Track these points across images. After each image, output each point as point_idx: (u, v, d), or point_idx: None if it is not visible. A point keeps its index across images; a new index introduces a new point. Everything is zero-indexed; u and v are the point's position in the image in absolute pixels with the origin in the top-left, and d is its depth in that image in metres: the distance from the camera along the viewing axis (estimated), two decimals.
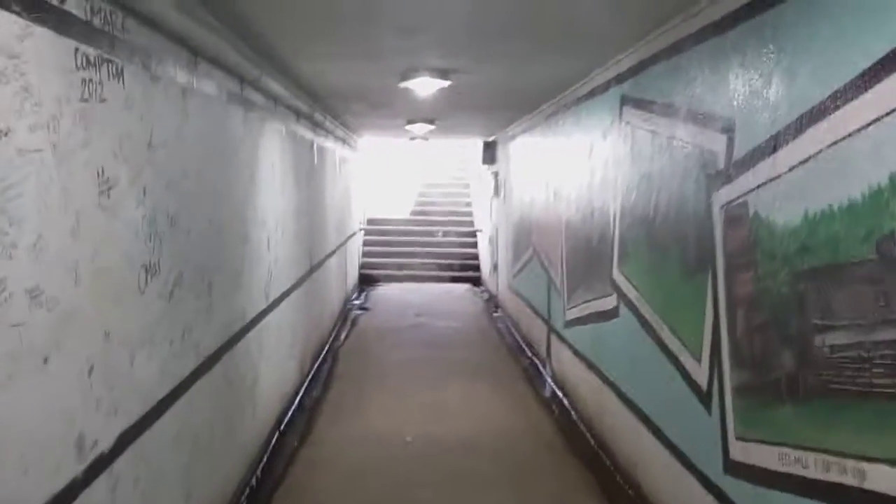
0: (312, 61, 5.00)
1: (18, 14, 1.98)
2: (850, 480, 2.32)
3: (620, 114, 4.88)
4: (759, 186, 2.96)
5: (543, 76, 5.73)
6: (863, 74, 2.24)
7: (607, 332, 5.22)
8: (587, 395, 5.85)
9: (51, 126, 2.15)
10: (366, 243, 15.21)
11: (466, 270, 14.90)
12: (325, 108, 7.58)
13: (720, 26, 3.31)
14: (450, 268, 14.99)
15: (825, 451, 2.46)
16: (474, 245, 15.41)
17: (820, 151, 2.49)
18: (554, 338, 7.17)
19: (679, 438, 3.85)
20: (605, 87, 5.24)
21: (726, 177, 3.29)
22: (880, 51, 2.16)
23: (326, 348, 8.64)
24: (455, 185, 17.42)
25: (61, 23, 2.22)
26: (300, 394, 6.68)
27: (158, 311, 3.06)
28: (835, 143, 2.41)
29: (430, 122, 9.04)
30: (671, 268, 3.93)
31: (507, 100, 7.20)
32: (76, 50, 2.31)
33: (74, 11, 2.31)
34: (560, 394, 6.88)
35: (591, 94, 5.66)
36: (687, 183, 3.73)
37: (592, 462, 5.27)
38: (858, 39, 2.29)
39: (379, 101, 7.26)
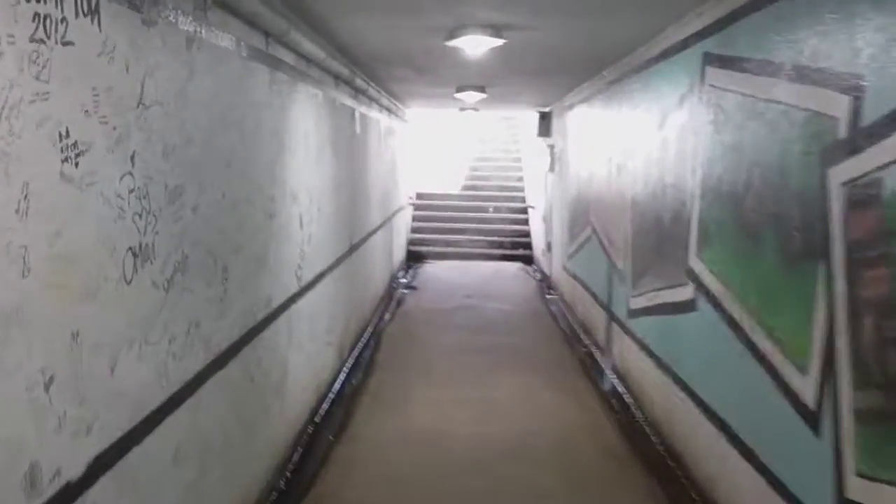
0: (348, 15, 4.43)
1: None
2: None
3: (702, 75, 4.19)
4: None
5: (608, 35, 5.06)
6: None
7: (681, 326, 4.57)
8: (654, 395, 5.22)
9: None
10: (414, 219, 14.70)
11: (518, 249, 14.27)
12: (367, 73, 7.02)
13: None
14: (500, 245, 14.38)
15: None
16: (526, 222, 14.75)
17: None
18: (615, 327, 6.54)
19: (774, 462, 3.22)
20: (683, 45, 4.54)
21: (849, 148, 2.62)
22: None
23: (369, 331, 8.16)
24: (506, 159, 16.74)
25: None
26: (338, 382, 6.21)
27: (153, 303, 2.57)
28: None
29: (481, 89, 8.40)
30: (767, 257, 3.28)
31: (565, 64, 6.52)
32: None
33: None
34: (621, 388, 6.26)
35: (664, 54, 4.96)
36: (791, 155, 3.06)
37: (661, 473, 4.66)
38: None
39: (424, 65, 6.66)
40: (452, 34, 4.79)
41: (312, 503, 4.16)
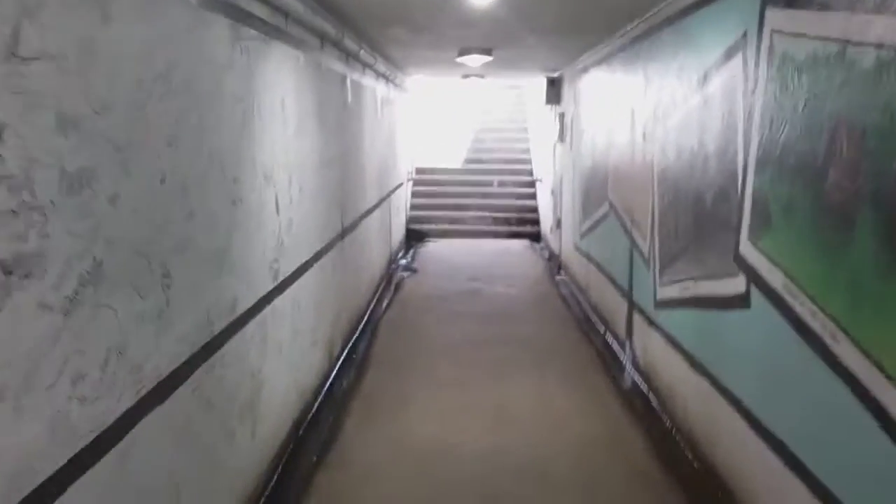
0: None
1: None
2: None
3: (760, 20, 3.42)
4: None
5: None
6: None
7: (727, 325, 3.85)
8: (689, 401, 4.52)
9: None
10: (414, 195, 13.93)
11: (524, 225, 13.51)
12: (358, 34, 6.23)
13: None
14: (506, 222, 13.62)
15: None
16: (533, 196, 13.98)
17: None
18: (638, 317, 5.82)
19: None
20: None
21: None
22: None
23: (364, 321, 7.47)
24: (512, 129, 15.91)
25: None
26: (327, 385, 5.53)
27: (42, 333, 1.85)
28: None
29: (487, 52, 7.60)
30: (863, 247, 2.54)
31: (582, 19, 5.73)
32: None
33: None
34: (644, 387, 5.57)
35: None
36: None
37: (704, 502, 3.97)
38: None
39: (422, 23, 5.87)
40: None
41: None
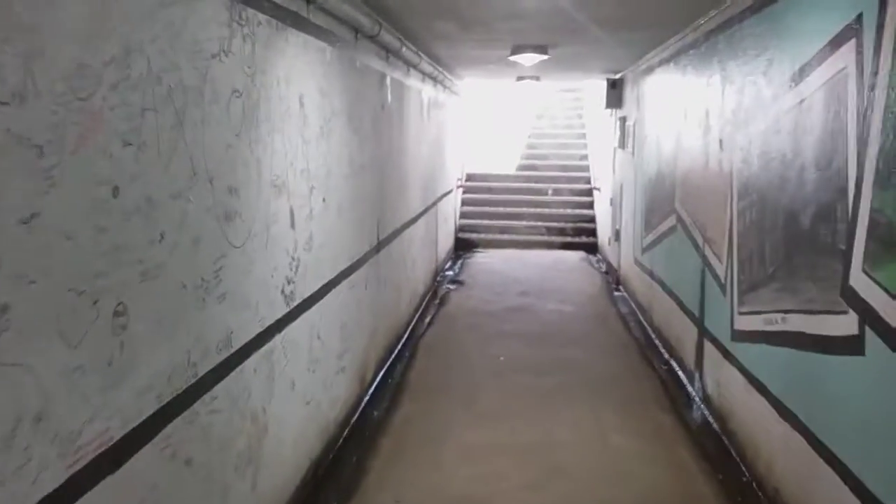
0: None
1: None
2: None
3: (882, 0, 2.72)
4: None
5: None
6: None
7: (831, 371, 3.14)
8: (775, 455, 3.79)
9: None
10: (464, 203, 13.32)
11: (580, 236, 12.76)
12: (398, 27, 5.67)
13: None
14: (561, 232, 12.88)
15: None
16: (590, 206, 13.21)
17: None
18: (710, 347, 5.10)
19: None
20: None
21: None
22: None
23: (404, 339, 6.90)
24: (569, 135, 15.16)
25: None
26: (357, 415, 4.97)
27: None
28: None
29: (542, 50, 6.96)
30: None
31: (649, 8, 5.06)
32: None
33: None
34: (717, 427, 4.85)
35: None
36: None
37: None
38: None
39: (469, 15, 5.28)
40: None
41: None
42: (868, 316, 2.79)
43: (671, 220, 6.50)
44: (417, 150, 7.71)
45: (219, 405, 2.73)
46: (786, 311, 3.64)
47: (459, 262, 11.35)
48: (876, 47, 2.77)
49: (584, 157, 14.36)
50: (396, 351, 6.51)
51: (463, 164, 13.26)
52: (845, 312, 2.98)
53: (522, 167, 14.34)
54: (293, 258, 3.58)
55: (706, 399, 5.18)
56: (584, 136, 14.83)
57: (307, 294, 3.83)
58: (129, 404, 2.10)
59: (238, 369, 2.91)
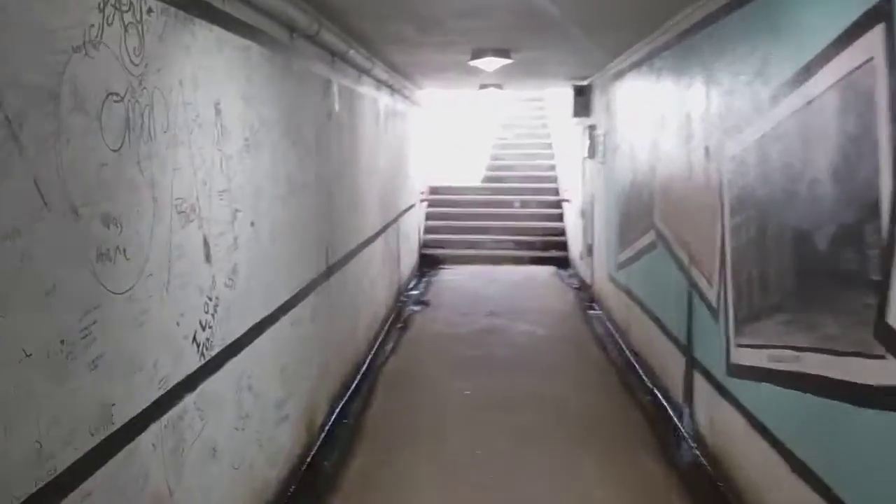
0: None
1: None
2: None
3: None
4: None
5: None
6: None
7: (863, 426, 2.59)
8: None
9: None
10: (428, 217, 12.72)
11: (550, 250, 12.23)
12: (343, 27, 5.07)
13: None
14: (530, 246, 12.34)
15: None
16: (560, 218, 12.71)
17: None
18: (701, 380, 4.55)
19: None
20: None
21: None
22: None
23: (363, 369, 6.27)
24: (535, 145, 14.67)
25: None
26: (304, 466, 4.33)
27: None
28: None
29: (504, 53, 6.41)
30: None
31: (622, 6, 4.53)
32: None
33: None
34: (711, 471, 4.31)
35: None
36: None
37: None
38: None
39: (425, 13, 4.70)
40: None
41: None
42: None
43: (650, 236, 5.97)
44: (374, 164, 7.11)
45: (94, 502, 2.09)
46: (799, 349, 3.10)
47: (424, 279, 10.73)
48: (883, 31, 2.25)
49: (552, 168, 13.88)
50: (354, 385, 5.88)
51: (426, 176, 12.67)
52: (882, 357, 2.43)
53: (488, 178, 13.80)
54: (209, 298, 2.95)
55: (698, 437, 4.63)
56: (550, 146, 14.38)
57: (231, 339, 3.19)
58: None
59: (126, 450, 2.27)
